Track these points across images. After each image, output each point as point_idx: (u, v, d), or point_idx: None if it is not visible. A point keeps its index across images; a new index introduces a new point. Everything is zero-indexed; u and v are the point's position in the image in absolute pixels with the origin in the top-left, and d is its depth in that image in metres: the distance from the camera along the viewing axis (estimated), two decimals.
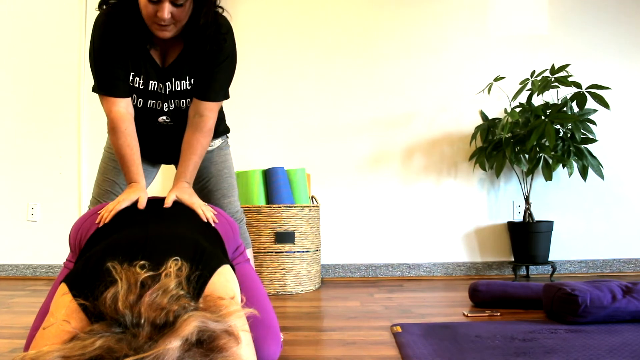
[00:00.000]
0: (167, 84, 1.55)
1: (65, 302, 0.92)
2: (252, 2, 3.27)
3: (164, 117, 1.61)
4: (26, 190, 3.32)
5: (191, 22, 1.45)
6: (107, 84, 1.49)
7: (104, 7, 1.48)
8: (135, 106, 1.56)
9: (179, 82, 1.55)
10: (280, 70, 3.24)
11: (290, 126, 3.21)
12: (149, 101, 1.56)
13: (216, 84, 1.56)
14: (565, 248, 3.07)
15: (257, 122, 3.21)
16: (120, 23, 1.46)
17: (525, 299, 2.06)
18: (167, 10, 1.36)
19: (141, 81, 1.52)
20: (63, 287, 0.96)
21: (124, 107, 1.51)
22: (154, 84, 1.54)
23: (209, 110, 1.56)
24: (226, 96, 1.64)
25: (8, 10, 3.41)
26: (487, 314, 1.97)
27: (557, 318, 1.82)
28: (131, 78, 1.51)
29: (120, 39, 1.47)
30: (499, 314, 1.97)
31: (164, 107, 1.58)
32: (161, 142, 1.70)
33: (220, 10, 1.52)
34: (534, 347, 1.46)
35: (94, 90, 1.54)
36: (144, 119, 1.60)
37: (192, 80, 1.56)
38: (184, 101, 1.58)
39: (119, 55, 1.48)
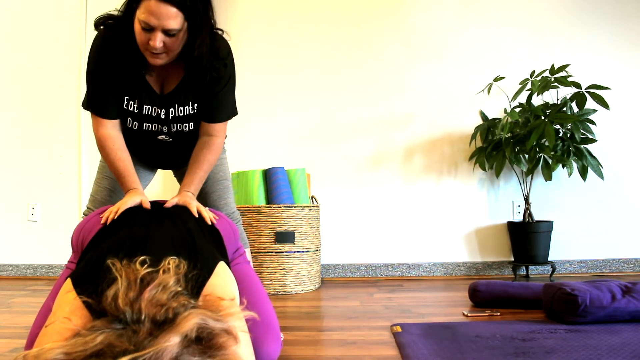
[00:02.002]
0: (170, 110, 1.56)
1: (68, 300, 0.94)
2: (252, 2, 3.28)
3: (164, 136, 1.63)
4: (26, 190, 3.33)
5: (186, 51, 1.45)
6: (97, 105, 1.53)
7: (101, 27, 1.48)
8: (130, 128, 1.58)
9: (182, 108, 1.57)
10: (280, 70, 3.24)
11: (290, 126, 3.21)
12: (145, 124, 1.58)
13: (222, 105, 1.60)
14: (565, 248, 3.07)
15: (257, 122, 3.21)
16: (116, 48, 1.46)
17: (525, 299, 2.06)
18: (159, 39, 1.35)
19: (135, 105, 1.54)
20: (68, 284, 0.97)
21: (111, 127, 1.55)
22: (148, 108, 1.55)
23: (217, 130, 1.62)
24: (234, 112, 1.67)
25: (9, 11, 3.41)
26: (487, 314, 1.97)
27: (557, 318, 1.82)
28: (125, 102, 1.53)
29: (114, 64, 1.48)
30: (499, 314, 1.97)
31: (163, 128, 1.60)
32: (159, 154, 1.72)
33: (220, 32, 1.52)
34: (534, 347, 1.46)
35: (83, 105, 1.57)
36: (141, 138, 1.62)
37: (196, 105, 1.58)
38: (187, 125, 1.60)
39: (112, 79, 1.50)
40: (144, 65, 1.50)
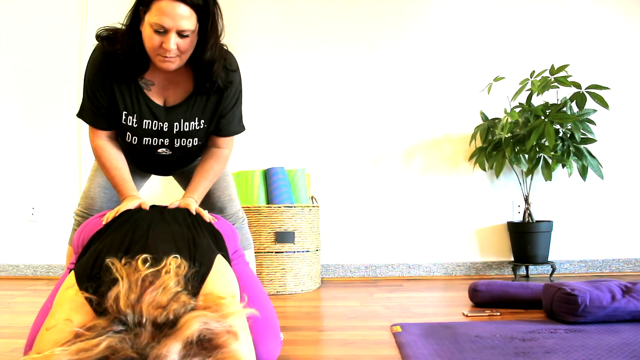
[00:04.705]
0: (174, 124, 1.55)
1: (69, 296, 0.94)
2: (251, 2, 3.27)
3: (164, 149, 1.61)
4: (26, 190, 3.33)
5: (197, 55, 1.44)
6: (92, 117, 1.54)
7: (102, 40, 1.46)
8: (130, 143, 1.57)
9: (187, 123, 1.56)
10: (280, 70, 3.24)
11: (290, 126, 3.21)
12: (145, 139, 1.56)
13: (232, 120, 1.62)
14: (565, 248, 3.07)
15: (257, 122, 3.21)
16: (114, 63, 1.45)
17: (525, 299, 2.06)
18: (173, 41, 1.34)
19: (134, 120, 1.52)
20: (70, 279, 0.98)
21: (105, 137, 1.57)
22: (149, 122, 1.53)
23: (226, 143, 1.66)
24: (243, 127, 1.69)
25: (8, 10, 3.41)
26: (487, 314, 1.97)
27: (557, 318, 1.82)
28: (123, 117, 1.51)
29: (111, 79, 1.47)
30: (498, 314, 1.97)
31: (165, 142, 1.58)
32: (156, 165, 1.72)
33: (224, 47, 1.52)
34: (534, 347, 1.46)
35: (78, 114, 1.56)
36: (139, 151, 1.61)
37: (202, 122, 1.57)
38: (192, 140, 1.60)
39: (109, 94, 1.49)
40: (143, 79, 1.49)
